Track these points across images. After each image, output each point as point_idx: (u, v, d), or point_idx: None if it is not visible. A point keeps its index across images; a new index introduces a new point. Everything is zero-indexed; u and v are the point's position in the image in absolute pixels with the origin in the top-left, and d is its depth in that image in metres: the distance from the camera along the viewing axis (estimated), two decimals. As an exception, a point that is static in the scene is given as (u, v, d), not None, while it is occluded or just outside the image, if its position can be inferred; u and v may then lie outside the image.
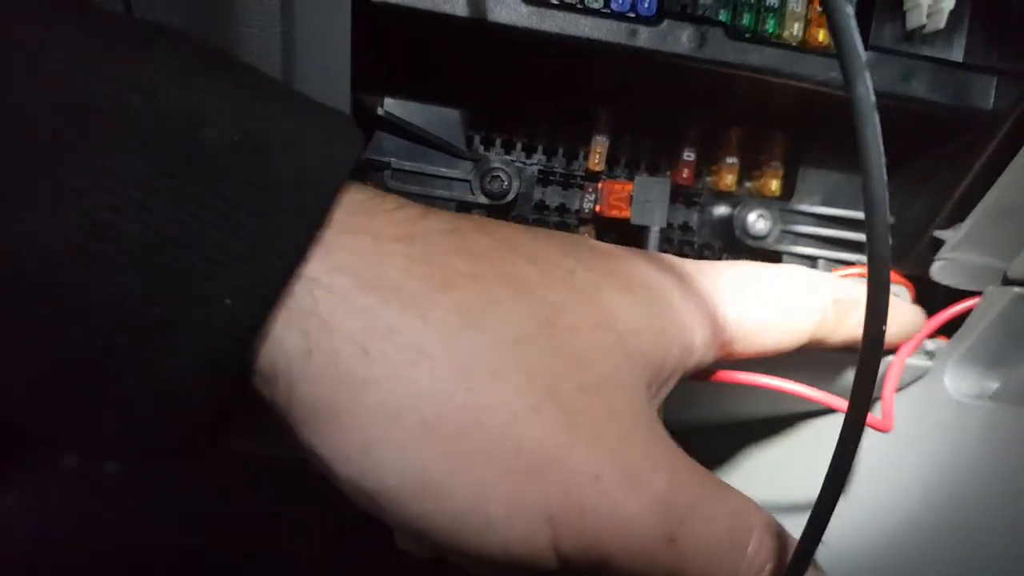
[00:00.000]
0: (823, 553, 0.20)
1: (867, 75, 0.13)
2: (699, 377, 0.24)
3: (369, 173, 0.31)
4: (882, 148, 0.13)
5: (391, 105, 0.31)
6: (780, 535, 0.20)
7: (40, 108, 0.15)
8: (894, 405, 0.28)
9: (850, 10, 0.13)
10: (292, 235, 0.17)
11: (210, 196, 0.16)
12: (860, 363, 0.17)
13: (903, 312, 0.28)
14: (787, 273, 0.24)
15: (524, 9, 0.25)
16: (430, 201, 0.31)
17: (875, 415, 0.27)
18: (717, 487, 0.20)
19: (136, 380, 0.16)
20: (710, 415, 0.38)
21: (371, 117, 0.30)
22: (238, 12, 0.23)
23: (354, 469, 0.17)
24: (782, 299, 0.23)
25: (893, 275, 0.31)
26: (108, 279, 0.15)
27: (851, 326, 0.25)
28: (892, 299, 0.28)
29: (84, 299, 0.15)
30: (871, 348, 0.17)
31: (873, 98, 0.13)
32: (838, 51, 0.13)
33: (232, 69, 0.18)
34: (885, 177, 0.13)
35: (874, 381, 0.17)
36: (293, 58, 0.24)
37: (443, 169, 0.31)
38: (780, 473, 0.38)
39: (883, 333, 0.17)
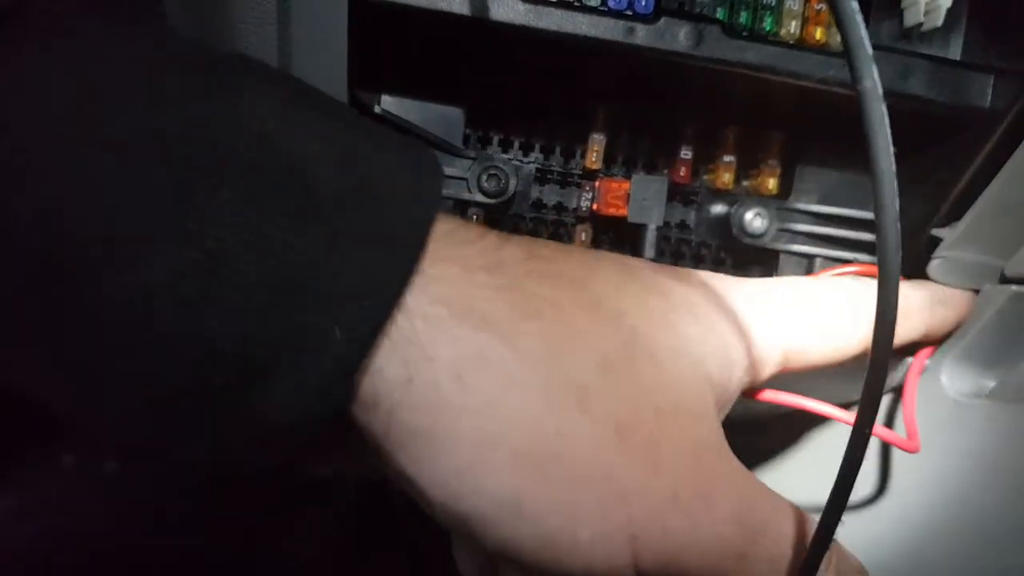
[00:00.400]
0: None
1: (874, 68, 0.13)
2: (746, 395, 0.24)
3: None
4: (890, 139, 0.13)
5: (388, 103, 0.31)
6: (838, 549, 0.21)
7: (158, 154, 0.16)
8: (917, 424, 0.28)
9: (855, 4, 0.13)
10: (398, 269, 0.17)
11: (321, 235, 0.17)
12: (871, 361, 0.17)
13: (958, 294, 0.28)
14: (838, 287, 0.25)
15: (521, 7, 0.25)
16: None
17: (900, 435, 0.27)
18: (782, 504, 0.21)
19: (247, 413, 0.17)
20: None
21: (367, 115, 0.30)
22: (234, 8, 0.22)
23: (450, 493, 0.18)
24: (835, 314, 0.24)
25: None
26: (226, 317, 0.16)
27: (903, 332, 0.25)
28: (942, 287, 0.28)
29: (202, 337, 0.16)
30: (881, 346, 0.17)
31: (880, 90, 0.13)
32: (844, 44, 0.13)
33: (327, 106, 0.19)
34: (894, 167, 0.13)
35: (884, 381, 0.18)
36: (289, 55, 0.23)
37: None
38: (796, 471, 0.38)
39: (893, 326, 0.17)
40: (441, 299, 0.18)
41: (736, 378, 0.22)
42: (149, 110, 0.16)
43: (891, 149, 0.14)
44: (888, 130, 0.14)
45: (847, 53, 0.13)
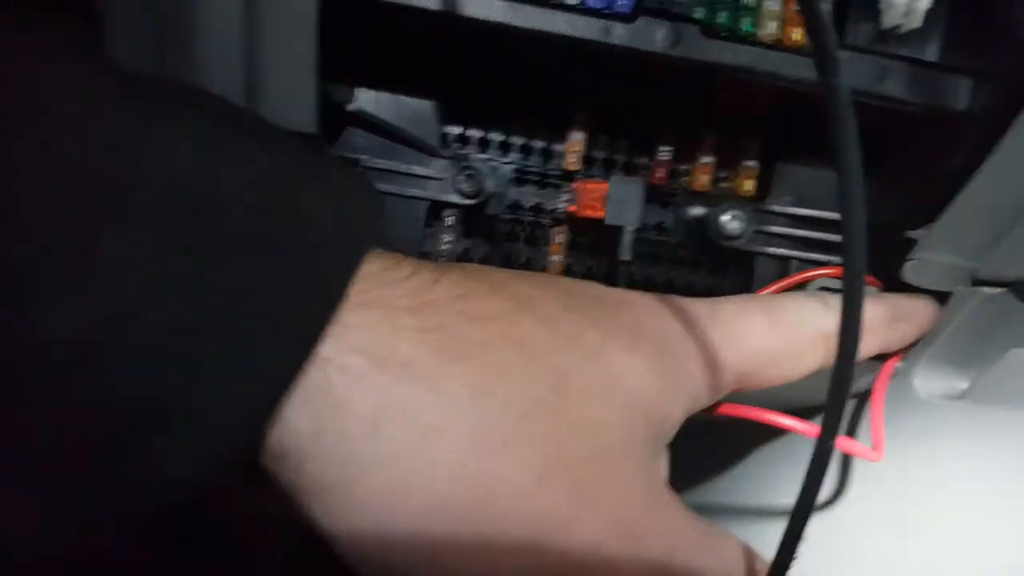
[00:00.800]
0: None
1: (841, 69, 0.13)
2: (703, 412, 0.24)
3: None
4: (858, 145, 0.13)
5: (363, 99, 0.30)
6: None
7: (61, 192, 0.15)
8: (884, 433, 0.28)
9: (825, 6, 0.13)
10: (311, 320, 0.17)
11: (232, 281, 0.16)
12: (834, 378, 0.17)
13: (919, 307, 0.28)
14: (791, 307, 0.24)
15: (497, 4, 0.24)
16: (403, 200, 0.31)
17: (864, 444, 0.27)
18: (713, 541, 0.21)
19: (147, 461, 0.16)
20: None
21: (342, 112, 0.29)
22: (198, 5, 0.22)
23: (363, 545, 0.17)
24: (788, 336, 0.24)
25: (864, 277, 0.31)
26: (128, 365, 0.15)
27: (862, 349, 0.25)
28: (903, 295, 0.28)
29: (102, 385, 0.15)
30: (844, 361, 0.17)
31: (848, 95, 0.13)
32: (813, 46, 0.13)
33: (256, 136, 0.18)
34: (861, 171, 0.13)
35: (847, 395, 0.18)
36: (256, 50, 0.23)
37: (416, 167, 0.31)
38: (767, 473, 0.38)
39: (857, 338, 0.17)
40: (359, 347, 0.17)
41: (680, 409, 0.21)
42: (54, 143, 0.15)
43: (859, 155, 0.13)
44: (855, 133, 0.14)
45: (814, 53, 0.13)
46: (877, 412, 0.29)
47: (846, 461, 0.33)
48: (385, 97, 0.30)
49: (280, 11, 0.23)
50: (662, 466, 0.22)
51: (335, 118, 0.29)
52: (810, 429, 0.25)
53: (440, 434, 0.17)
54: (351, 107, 0.30)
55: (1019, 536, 0.29)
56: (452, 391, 0.18)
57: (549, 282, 0.21)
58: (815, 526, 0.20)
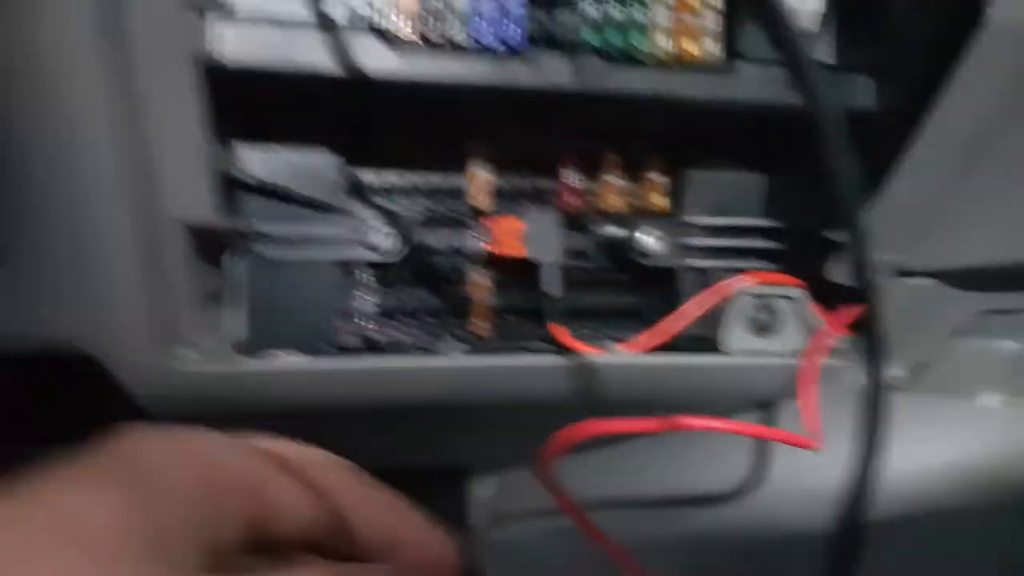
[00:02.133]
0: None
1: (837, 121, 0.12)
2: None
3: (235, 241, 0.27)
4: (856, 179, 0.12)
5: (247, 158, 0.28)
6: None
7: None
8: (819, 419, 0.28)
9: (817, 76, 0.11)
10: None
11: None
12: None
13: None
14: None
15: (392, 56, 0.22)
16: (312, 266, 0.28)
17: (799, 433, 0.26)
18: None
19: None
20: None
21: (227, 178, 0.27)
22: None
23: None
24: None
25: (785, 278, 0.31)
26: None
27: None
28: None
29: None
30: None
31: (843, 140, 0.12)
32: (796, 82, 0.12)
33: None
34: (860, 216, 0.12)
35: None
36: (144, 147, 0.20)
37: (319, 229, 0.28)
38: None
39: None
40: None
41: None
42: None
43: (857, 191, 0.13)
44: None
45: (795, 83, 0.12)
46: (810, 398, 0.28)
47: (785, 469, 0.33)
48: (273, 151, 0.28)
49: (166, 109, 0.20)
50: None
51: (224, 183, 0.27)
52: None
53: None
54: (236, 173, 0.27)
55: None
56: None
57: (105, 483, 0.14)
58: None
